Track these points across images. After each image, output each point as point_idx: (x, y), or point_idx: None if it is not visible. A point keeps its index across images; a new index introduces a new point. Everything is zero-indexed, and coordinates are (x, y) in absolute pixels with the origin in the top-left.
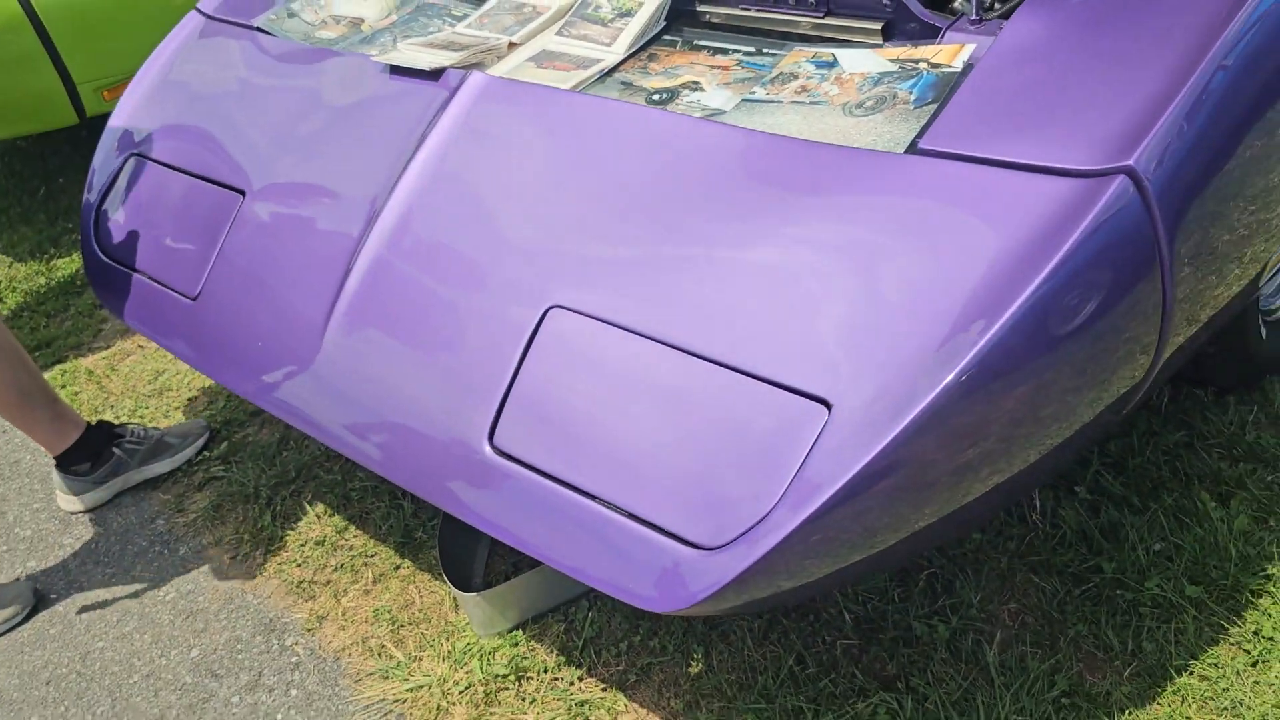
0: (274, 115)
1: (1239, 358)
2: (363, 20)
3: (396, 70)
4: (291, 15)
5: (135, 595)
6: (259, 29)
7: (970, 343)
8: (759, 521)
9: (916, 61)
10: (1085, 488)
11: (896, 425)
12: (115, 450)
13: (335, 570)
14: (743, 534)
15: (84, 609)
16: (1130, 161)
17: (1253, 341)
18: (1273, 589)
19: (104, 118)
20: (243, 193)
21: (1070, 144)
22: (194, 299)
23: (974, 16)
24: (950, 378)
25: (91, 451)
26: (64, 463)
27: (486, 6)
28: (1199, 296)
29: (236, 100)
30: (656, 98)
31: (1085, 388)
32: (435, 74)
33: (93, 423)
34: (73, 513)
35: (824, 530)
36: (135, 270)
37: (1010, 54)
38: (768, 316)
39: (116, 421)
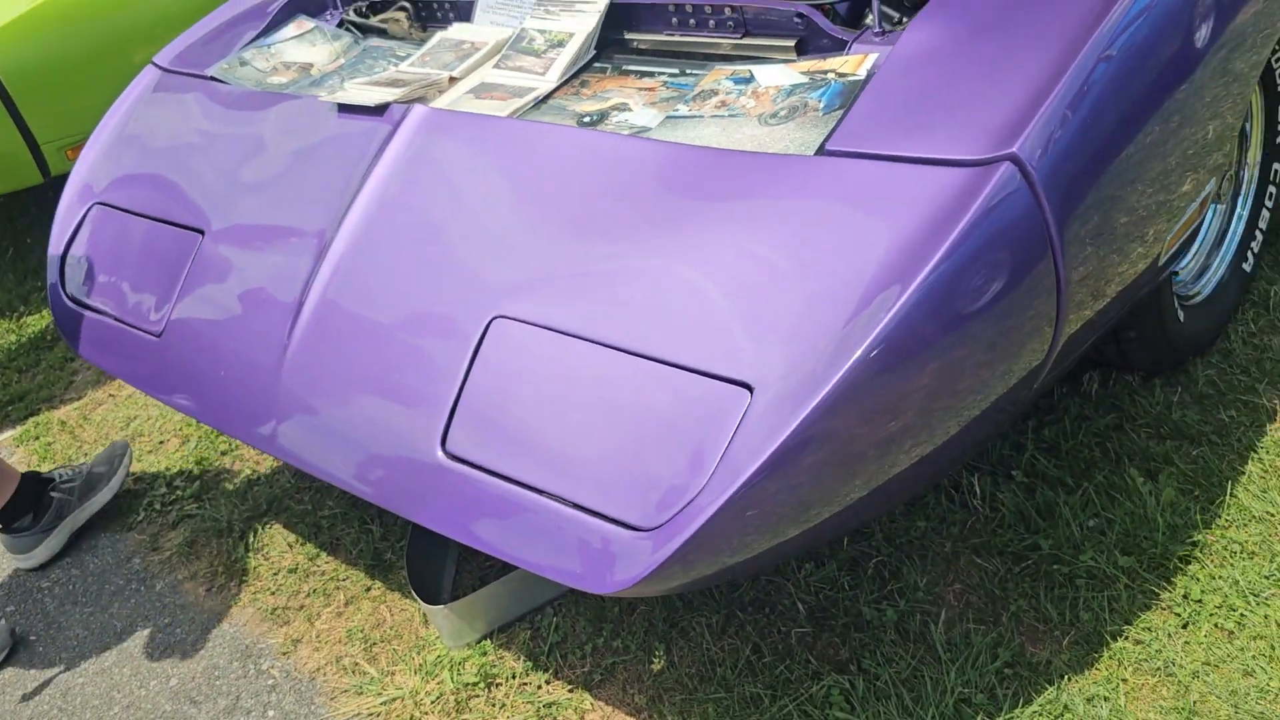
0: (229, 158)
1: (1160, 341)
2: (312, 65)
3: (344, 108)
4: (244, 64)
5: (114, 631)
6: (213, 78)
7: (876, 320)
8: (691, 500)
9: (825, 72)
10: (1021, 471)
11: (812, 401)
12: (53, 495)
13: (308, 595)
14: (677, 513)
15: (64, 648)
16: (1014, 149)
17: (1171, 325)
18: (1199, 555)
19: (68, 177)
20: (201, 232)
21: (958, 137)
22: (158, 336)
23: (878, 29)
24: (859, 354)
25: (30, 503)
26: (7, 522)
27: (428, 46)
28: (1101, 274)
29: (193, 146)
30: (587, 119)
31: (994, 362)
32: (380, 109)
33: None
34: (31, 569)
35: (756, 505)
36: (101, 312)
37: (906, 60)
38: (692, 311)
39: (43, 471)
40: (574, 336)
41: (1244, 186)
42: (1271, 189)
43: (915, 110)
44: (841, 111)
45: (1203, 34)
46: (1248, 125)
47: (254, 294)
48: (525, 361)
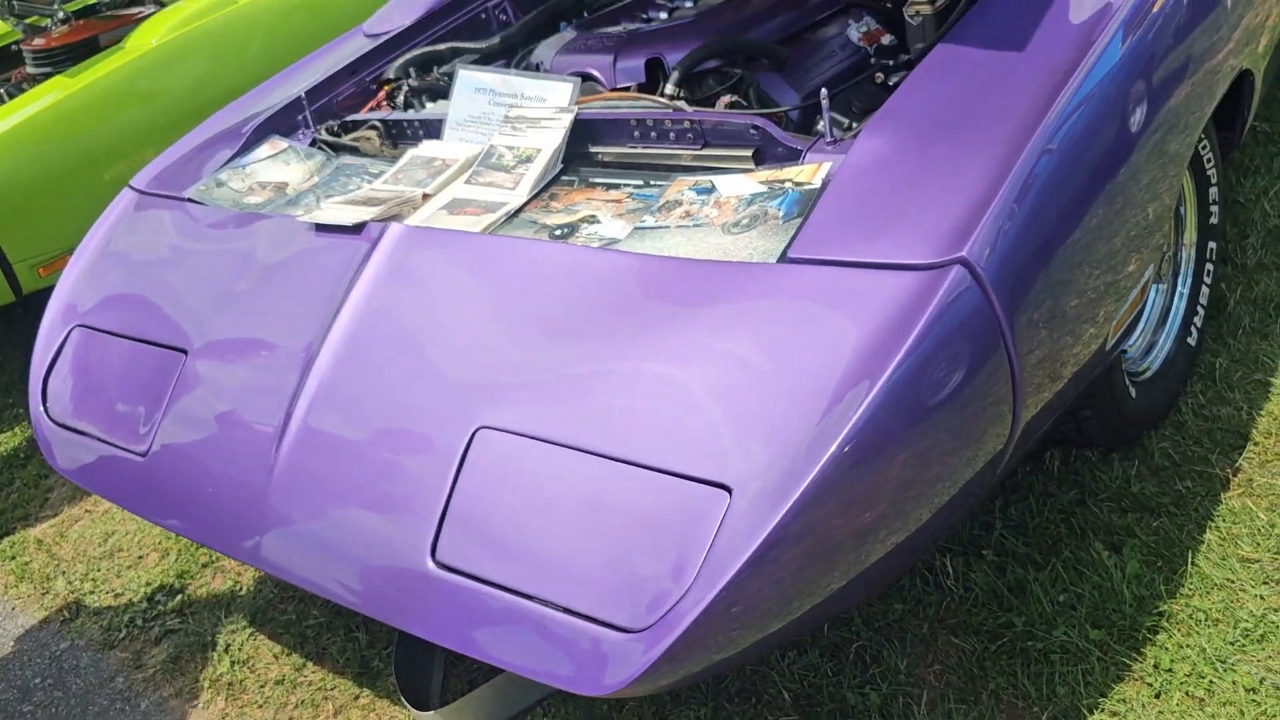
0: (210, 277)
1: (1115, 418)
2: (287, 184)
3: (322, 227)
4: (220, 185)
5: None
6: (190, 200)
7: (847, 417)
8: (678, 601)
9: (783, 181)
10: (992, 550)
11: (790, 499)
12: None
13: (296, 707)
14: (666, 614)
15: None
16: (963, 253)
17: (1124, 401)
18: (1166, 625)
19: (40, 294)
20: (185, 351)
21: (910, 243)
22: (144, 455)
23: (829, 139)
24: (833, 450)
25: None
26: None
27: (400, 163)
28: (1056, 356)
29: (173, 267)
30: (559, 232)
31: (960, 449)
32: (357, 227)
33: None
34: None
35: (740, 602)
36: (85, 434)
37: (858, 169)
38: (670, 415)
39: None
40: (557, 444)
41: (1183, 266)
42: (1209, 266)
43: (869, 217)
44: (800, 219)
45: (1138, 118)
46: (1182, 209)
47: (240, 411)
48: (510, 470)
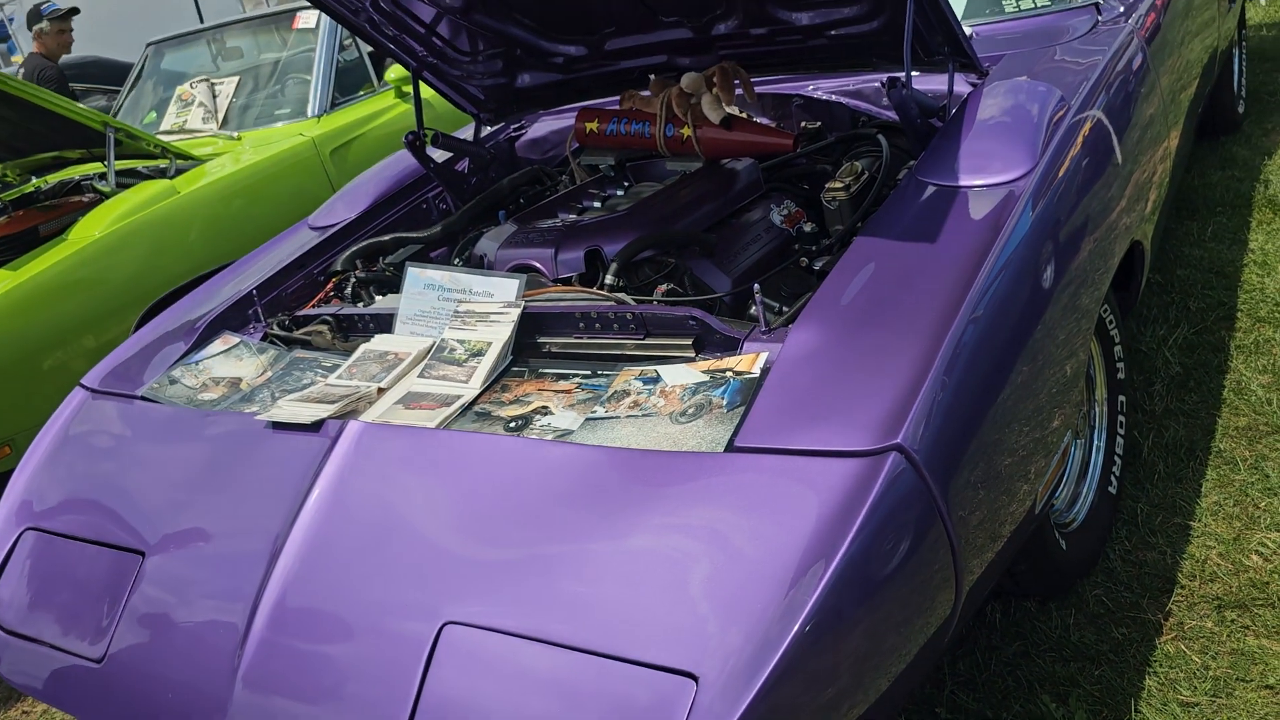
0: (166, 477)
1: (1049, 569)
2: (241, 379)
3: (279, 425)
4: (173, 382)
5: None
6: (143, 398)
7: (804, 600)
8: None
9: (724, 371)
10: (944, 708)
11: (756, 683)
12: None
13: None
14: None
15: None
16: (898, 440)
17: (1055, 553)
18: None
19: None
20: (141, 554)
21: (850, 431)
22: (99, 662)
23: (764, 328)
24: (794, 631)
25: None
26: None
27: (354, 358)
28: (994, 517)
29: (127, 466)
30: (513, 425)
31: (911, 619)
32: (316, 425)
33: None
34: None
35: None
36: (36, 640)
37: (794, 360)
38: (632, 604)
39: None
40: (523, 637)
41: (1098, 420)
42: (1121, 417)
43: (809, 406)
44: (743, 408)
45: (1049, 276)
46: (1092, 370)
47: (200, 614)
48: (478, 665)
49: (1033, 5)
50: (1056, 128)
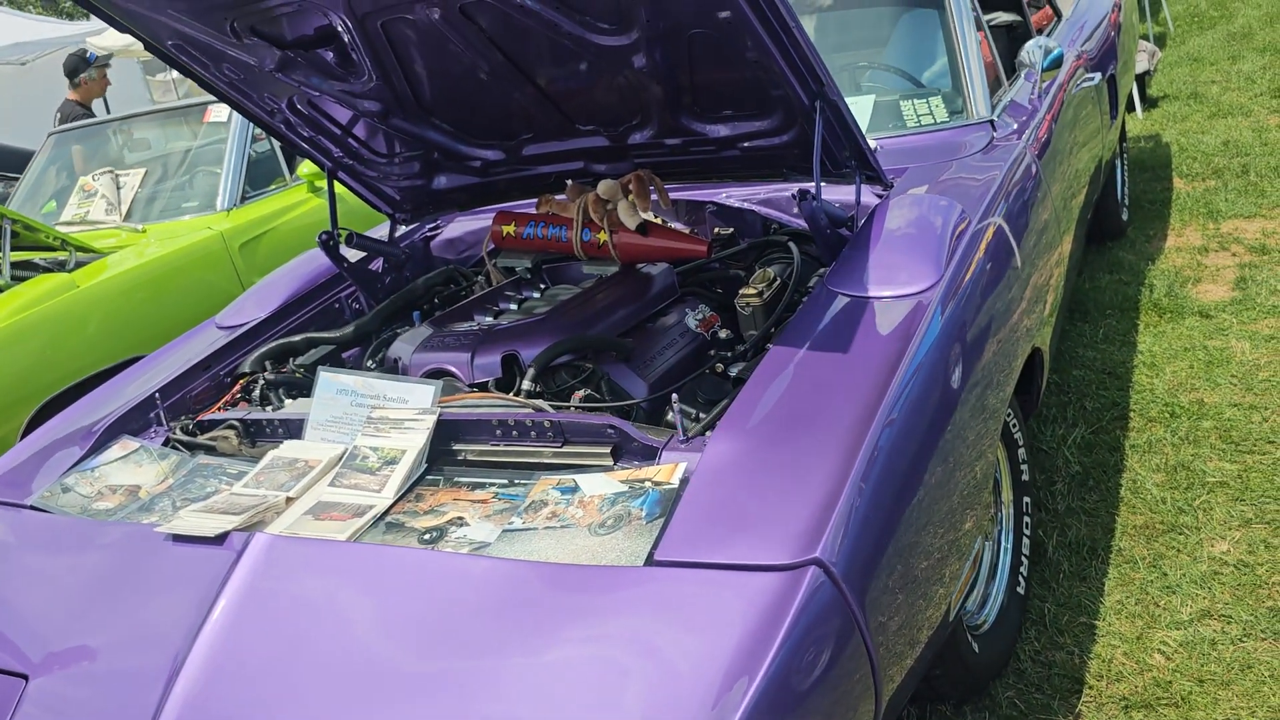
0: (56, 592)
1: (962, 672)
2: (139, 487)
3: (180, 537)
4: (66, 490)
5: None
6: (34, 507)
7: (731, 713)
8: None
9: (642, 481)
10: None
11: None
12: None
13: None
14: None
15: None
16: (816, 554)
17: (968, 656)
18: None
19: None
20: (25, 677)
21: (768, 545)
22: None
23: (682, 437)
24: None
25: None
26: None
27: (261, 465)
28: (912, 622)
29: (13, 581)
30: (427, 537)
31: None
32: (219, 538)
33: None
34: None
35: None
36: None
37: (713, 472)
38: None
39: None
40: None
41: (1005, 522)
42: (1027, 518)
43: (728, 519)
44: (663, 519)
45: (958, 380)
46: (998, 473)
47: None
48: None
49: (933, 121)
50: (959, 240)
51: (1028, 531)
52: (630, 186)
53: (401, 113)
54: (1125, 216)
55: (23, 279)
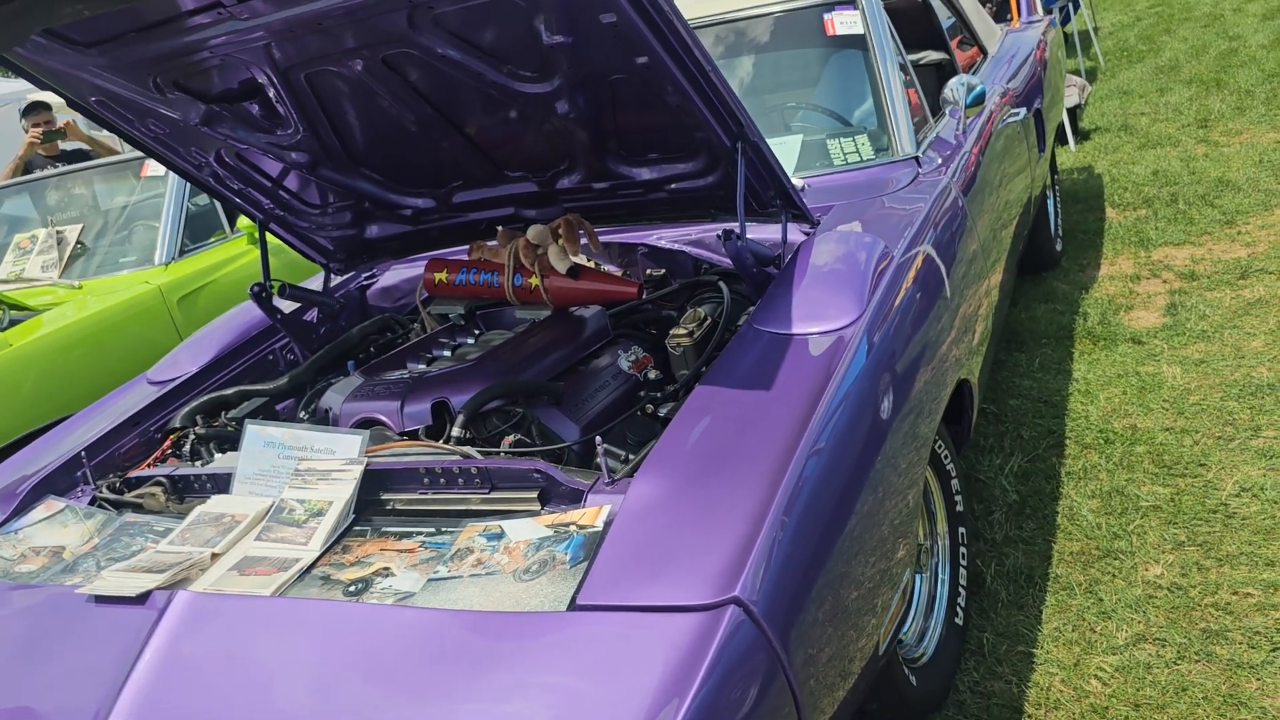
0: None
1: (899, 707)
2: (64, 548)
3: (102, 598)
4: None
5: None
6: None
7: None
8: None
9: (567, 525)
10: None
11: None
12: None
13: None
14: None
15: None
16: (735, 593)
17: (905, 690)
18: None
19: None
20: None
21: (688, 585)
22: None
23: (607, 479)
24: None
25: None
26: None
27: (187, 521)
28: (844, 653)
29: None
30: (352, 589)
31: None
32: (141, 597)
33: None
34: None
35: None
36: None
37: (635, 513)
38: None
39: None
40: None
41: (941, 554)
42: (963, 548)
43: (649, 561)
44: (586, 564)
45: (886, 409)
46: (931, 503)
47: None
48: None
49: (859, 159)
50: (882, 274)
51: (964, 562)
52: (560, 231)
53: (330, 164)
54: (1059, 247)
55: None
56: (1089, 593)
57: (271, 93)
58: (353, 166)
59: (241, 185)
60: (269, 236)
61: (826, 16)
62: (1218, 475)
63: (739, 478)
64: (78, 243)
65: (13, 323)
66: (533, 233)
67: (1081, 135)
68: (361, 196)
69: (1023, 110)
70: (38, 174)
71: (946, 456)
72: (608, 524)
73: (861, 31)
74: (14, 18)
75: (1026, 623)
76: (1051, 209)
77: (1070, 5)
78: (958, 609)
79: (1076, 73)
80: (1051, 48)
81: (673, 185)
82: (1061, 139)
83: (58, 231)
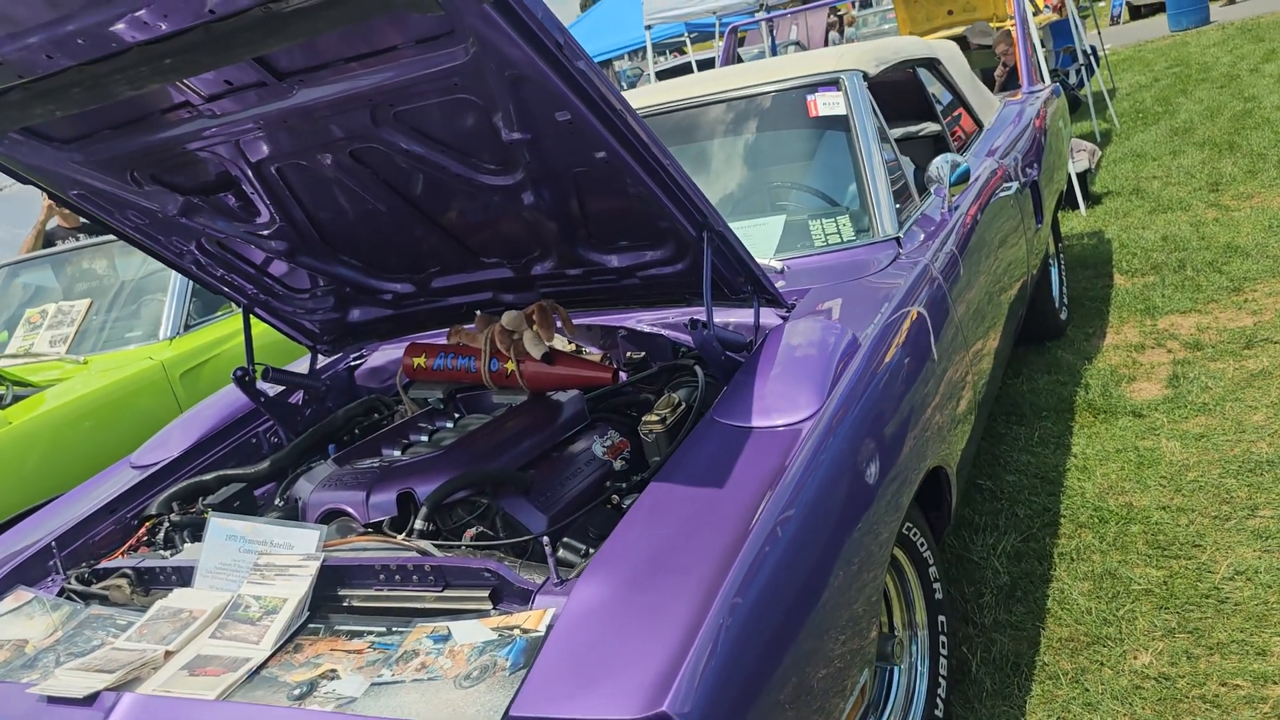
0: None
1: None
2: (27, 641)
3: (53, 698)
4: None
5: None
6: None
7: None
8: None
9: (512, 628)
10: None
11: None
12: None
13: None
14: None
15: None
16: (663, 707)
17: None
18: None
19: None
20: None
21: (618, 698)
22: None
23: (555, 580)
24: None
25: None
26: None
27: (146, 617)
28: None
29: None
30: (297, 692)
31: None
32: (90, 699)
33: None
34: None
35: None
36: None
37: (575, 618)
38: None
39: None
40: None
41: (919, 646)
42: (943, 638)
43: (583, 670)
44: (525, 670)
45: (844, 502)
46: (910, 592)
47: None
48: None
49: (840, 240)
50: (846, 364)
51: (945, 652)
52: (534, 317)
53: (307, 251)
54: (1064, 316)
55: None
56: (1075, 682)
57: (246, 185)
58: (330, 253)
59: (224, 271)
60: (254, 320)
61: (810, 98)
62: (1212, 557)
63: (679, 582)
64: (87, 317)
65: (16, 398)
66: (507, 319)
67: (1093, 199)
68: (342, 282)
69: (1015, 184)
70: (58, 246)
71: (923, 544)
72: (549, 628)
73: (844, 113)
74: None
75: (1010, 714)
76: (1055, 278)
77: (1085, 69)
78: (938, 701)
79: (1090, 136)
80: (1053, 117)
81: (643, 272)
82: (1072, 203)
83: (67, 307)
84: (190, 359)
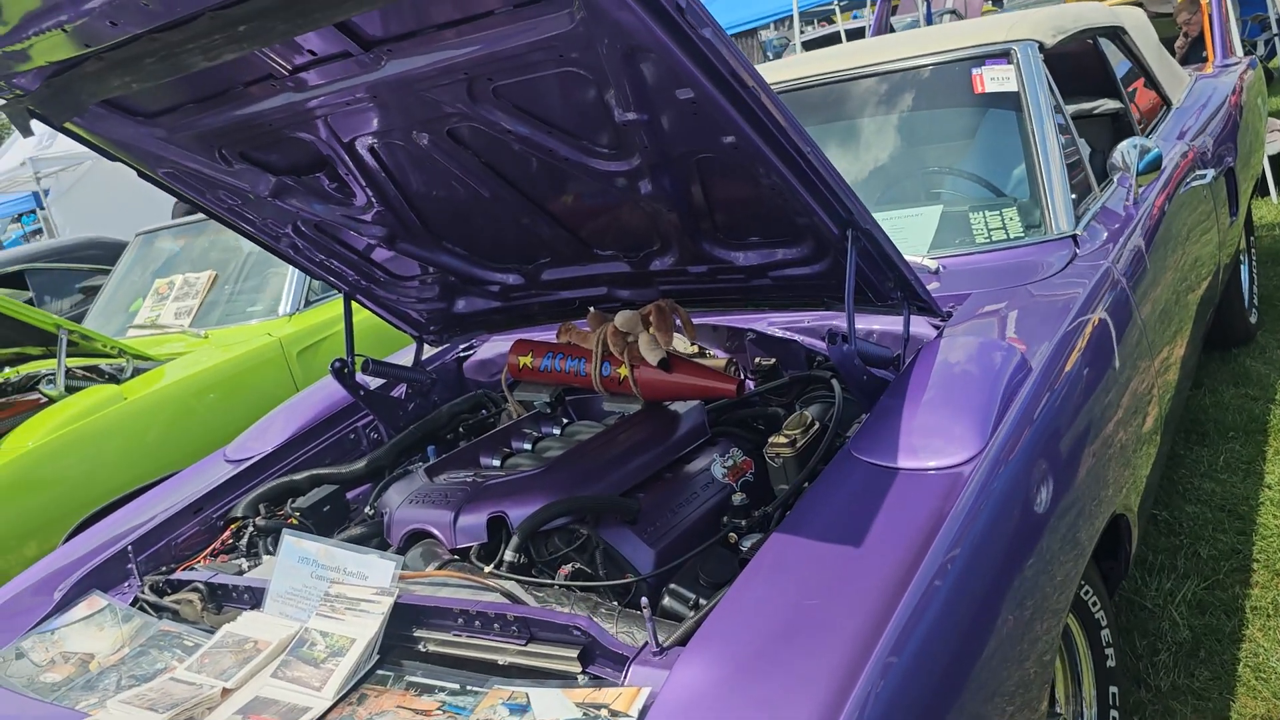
0: None
1: None
2: (93, 657)
3: None
4: (20, 655)
5: None
6: None
7: None
8: None
9: (600, 707)
10: None
11: None
12: None
13: None
14: None
15: None
16: None
17: None
18: None
19: None
20: None
21: None
22: None
23: (654, 648)
24: None
25: None
26: None
27: (210, 643)
28: None
29: None
30: None
31: None
32: None
33: None
34: None
35: None
36: None
37: (674, 706)
38: None
39: None
40: None
41: None
42: (1114, 712)
43: None
44: None
45: (1002, 571)
46: (1077, 660)
47: None
48: None
49: (1005, 237)
50: (1013, 395)
51: None
52: (651, 318)
53: (408, 237)
54: (1254, 319)
55: (77, 389)
56: None
57: (339, 166)
58: (433, 240)
59: (324, 256)
60: (356, 307)
61: (976, 71)
62: None
63: (806, 670)
64: (211, 289)
65: (136, 372)
66: (621, 319)
67: None
68: (446, 270)
69: (1210, 171)
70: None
71: (1095, 604)
72: (641, 714)
73: (1015, 89)
74: (64, 89)
75: None
76: (1246, 276)
77: (1277, 38)
78: None
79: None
80: (1249, 93)
81: (776, 272)
82: (1263, 190)
83: (193, 278)
84: (309, 336)
